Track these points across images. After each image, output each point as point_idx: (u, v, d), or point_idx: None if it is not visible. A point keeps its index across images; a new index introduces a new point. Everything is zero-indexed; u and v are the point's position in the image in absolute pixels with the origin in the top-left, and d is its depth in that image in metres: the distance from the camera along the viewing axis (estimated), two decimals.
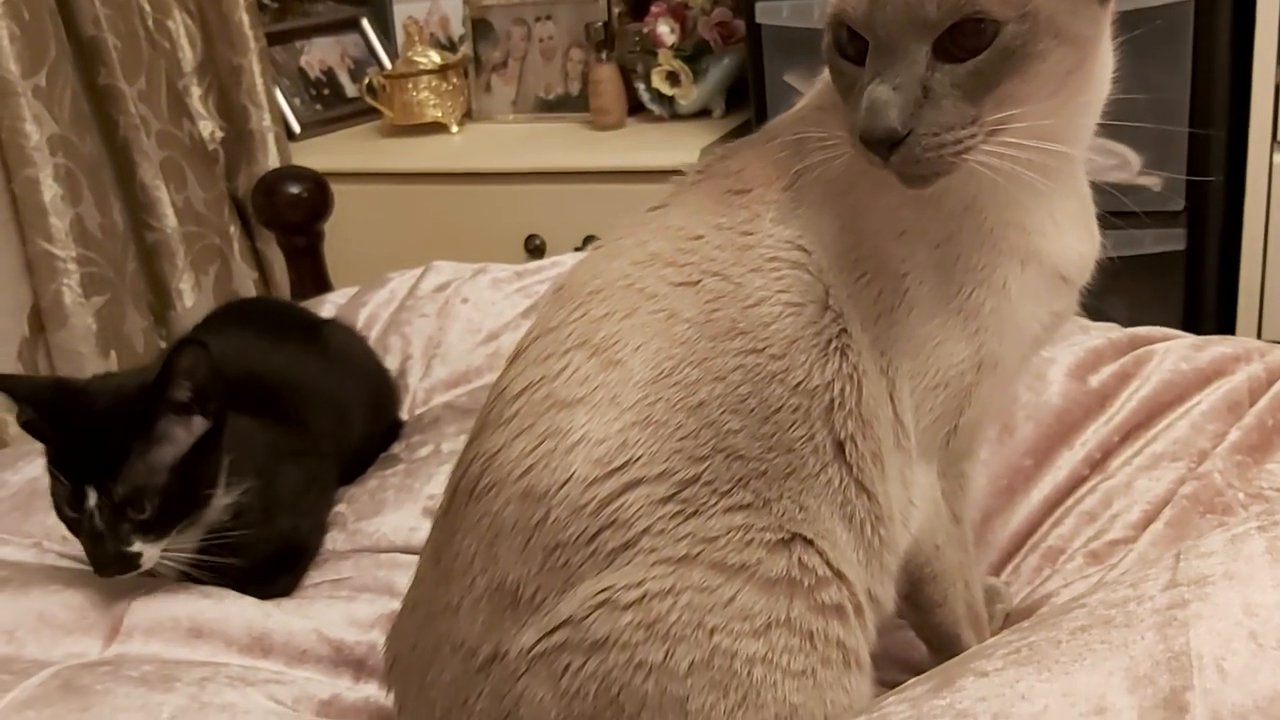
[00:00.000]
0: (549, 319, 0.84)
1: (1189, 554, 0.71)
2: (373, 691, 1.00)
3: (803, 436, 0.79)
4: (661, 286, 0.81)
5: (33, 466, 1.29)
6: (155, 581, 1.07)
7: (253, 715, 0.92)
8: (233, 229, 2.43)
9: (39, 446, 1.30)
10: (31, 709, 0.90)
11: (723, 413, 0.78)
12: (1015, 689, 0.63)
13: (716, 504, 0.77)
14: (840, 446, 0.80)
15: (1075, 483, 1.15)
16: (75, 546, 1.07)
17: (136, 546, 1.01)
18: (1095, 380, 1.22)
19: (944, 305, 0.82)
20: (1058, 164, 0.79)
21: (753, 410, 0.78)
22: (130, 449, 1.01)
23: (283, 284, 2.33)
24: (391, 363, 1.48)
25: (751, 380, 0.78)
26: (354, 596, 1.08)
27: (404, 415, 1.44)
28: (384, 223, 2.38)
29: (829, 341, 0.80)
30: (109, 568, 1.01)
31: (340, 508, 1.24)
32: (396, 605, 0.93)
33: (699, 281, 0.81)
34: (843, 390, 0.80)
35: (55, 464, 1.03)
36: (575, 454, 0.77)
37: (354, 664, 1.02)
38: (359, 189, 2.32)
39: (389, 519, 1.21)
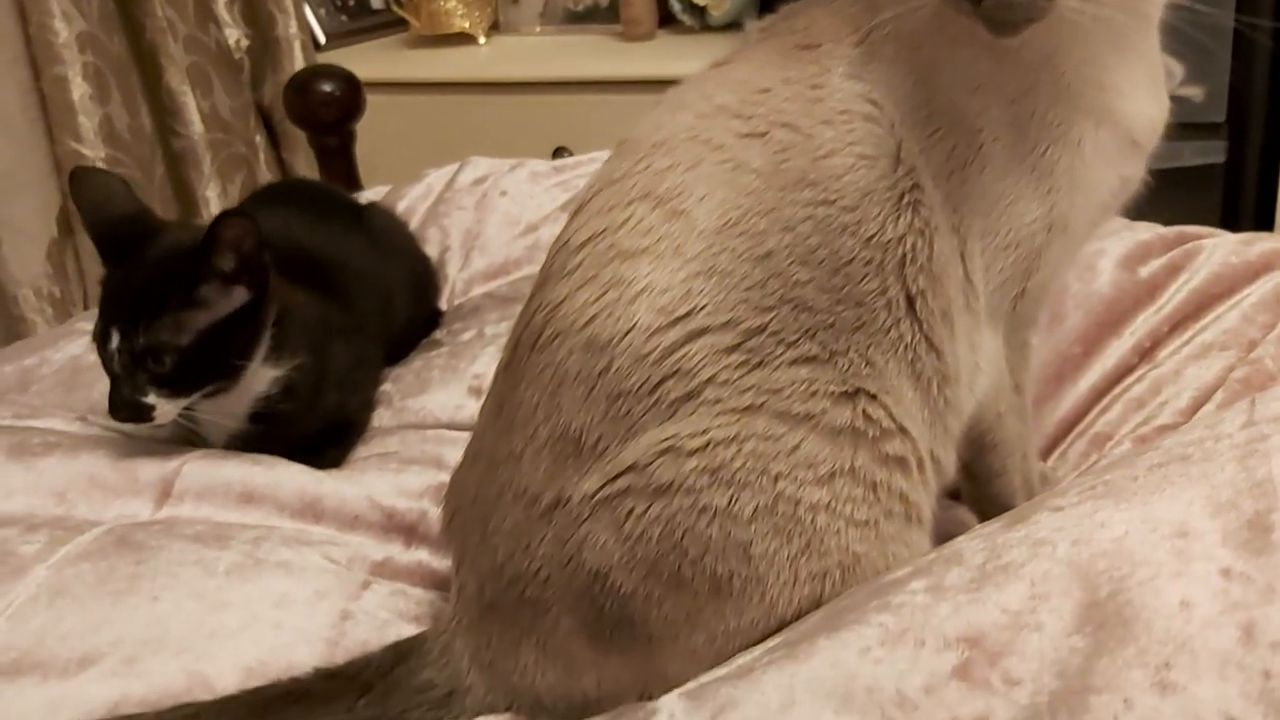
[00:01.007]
0: (612, 172, 0.83)
1: (1264, 399, 0.71)
2: (424, 557, 1.01)
3: (874, 290, 0.78)
4: (728, 138, 0.80)
5: (75, 345, 1.29)
6: (205, 447, 1.08)
7: (309, 572, 0.93)
8: (258, 138, 2.41)
9: (80, 326, 1.30)
10: (87, 561, 0.91)
11: (791, 263, 0.77)
12: (1094, 519, 0.63)
13: (782, 355, 0.76)
14: (911, 302, 0.79)
15: (1124, 371, 1.15)
16: None
17: (151, 398, 1.01)
18: (1145, 271, 1.21)
19: (1018, 162, 0.81)
20: (1144, 13, 0.78)
21: (822, 262, 0.77)
22: (166, 304, 1.00)
23: None
24: (430, 254, 1.48)
25: (822, 231, 0.78)
26: (403, 469, 1.08)
27: (443, 305, 1.43)
28: (410, 133, 2.36)
29: (901, 196, 0.79)
30: (120, 411, 1.02)
31: (386, 387, 1.25)
32: (445, 477, 0.94)
33: (767, 133, 0.80)
34: (914, 245, 0.79)
35: (101, 295, 1.04)
36: (639, 303, 0.76)
37: (405, 530, 1.03)
38: (385, 99, 2.29)
39: (435, 397, 1.21)
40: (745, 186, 0.78)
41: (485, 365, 1.20)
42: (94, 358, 1.05)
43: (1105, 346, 1.16)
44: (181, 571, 0.90)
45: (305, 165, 2.46)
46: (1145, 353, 1.16)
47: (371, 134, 2.01)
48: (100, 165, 1.98)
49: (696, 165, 0.79)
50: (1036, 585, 0.60)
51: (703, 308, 0.76)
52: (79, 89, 1.98)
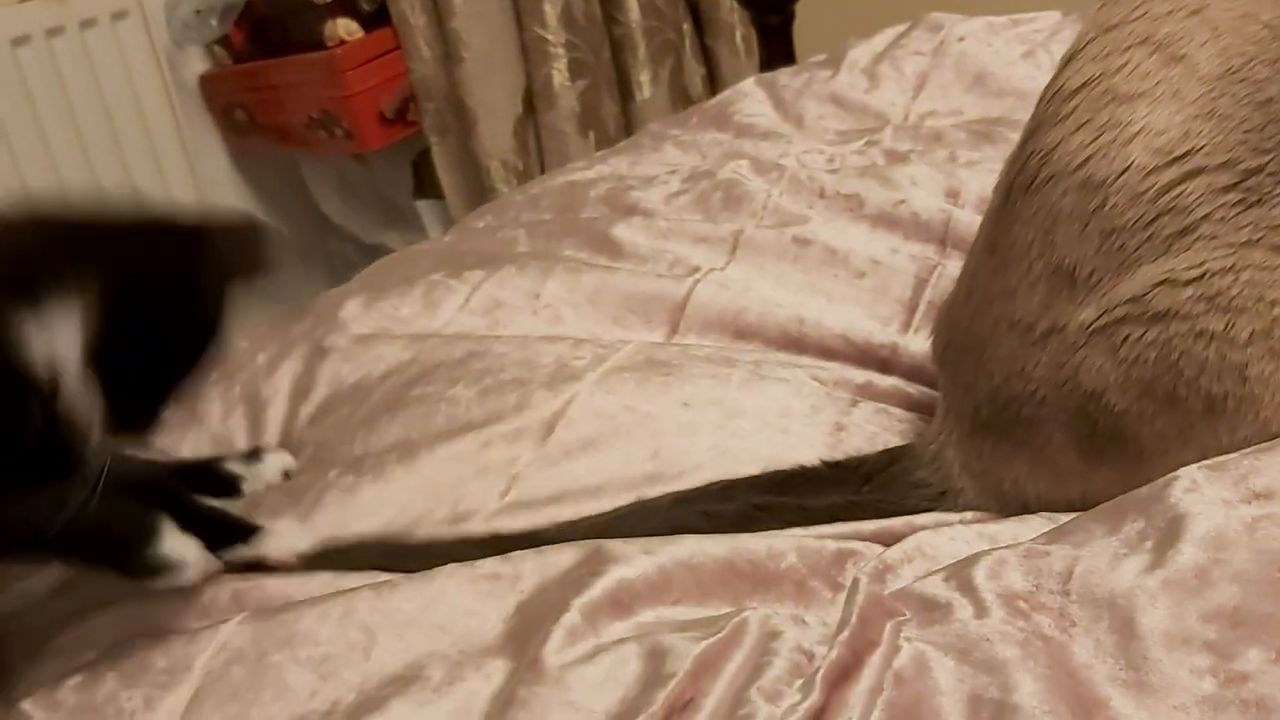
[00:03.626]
0: (1106, 19, 0.87)
1: None
2: (899, 382, 1.11)
3: None
4: None
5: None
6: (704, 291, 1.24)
7: (804, 389, 1.07)
8: (686, 25, 2.58)
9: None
10: (626, 372, 1.10)
11: None
12: None
13: None
14: None
15: None
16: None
17: None
18: None
19: None
20: None
21: None
22: None
23: (731, 84, 2.46)
24: (887, 89, 1.54)
25: None
26: (875, 299, 1.20)
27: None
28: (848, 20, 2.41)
29: None
30: None
31: None
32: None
33: None
34: None
35: None
36: (1135, 144, 0.81)
37: (879, 363, 1.14)
38: None
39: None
40: (1251, 35, 0.80)
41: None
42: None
43: None
44: (700, 383, 1.07)
45: (728, 52, 2.60)
46: None
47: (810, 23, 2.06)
48: (560, 49, 2.23)
49: (1200, 10, 0.82)
50: None
51: (1200, 148, 0.80)
52: None
